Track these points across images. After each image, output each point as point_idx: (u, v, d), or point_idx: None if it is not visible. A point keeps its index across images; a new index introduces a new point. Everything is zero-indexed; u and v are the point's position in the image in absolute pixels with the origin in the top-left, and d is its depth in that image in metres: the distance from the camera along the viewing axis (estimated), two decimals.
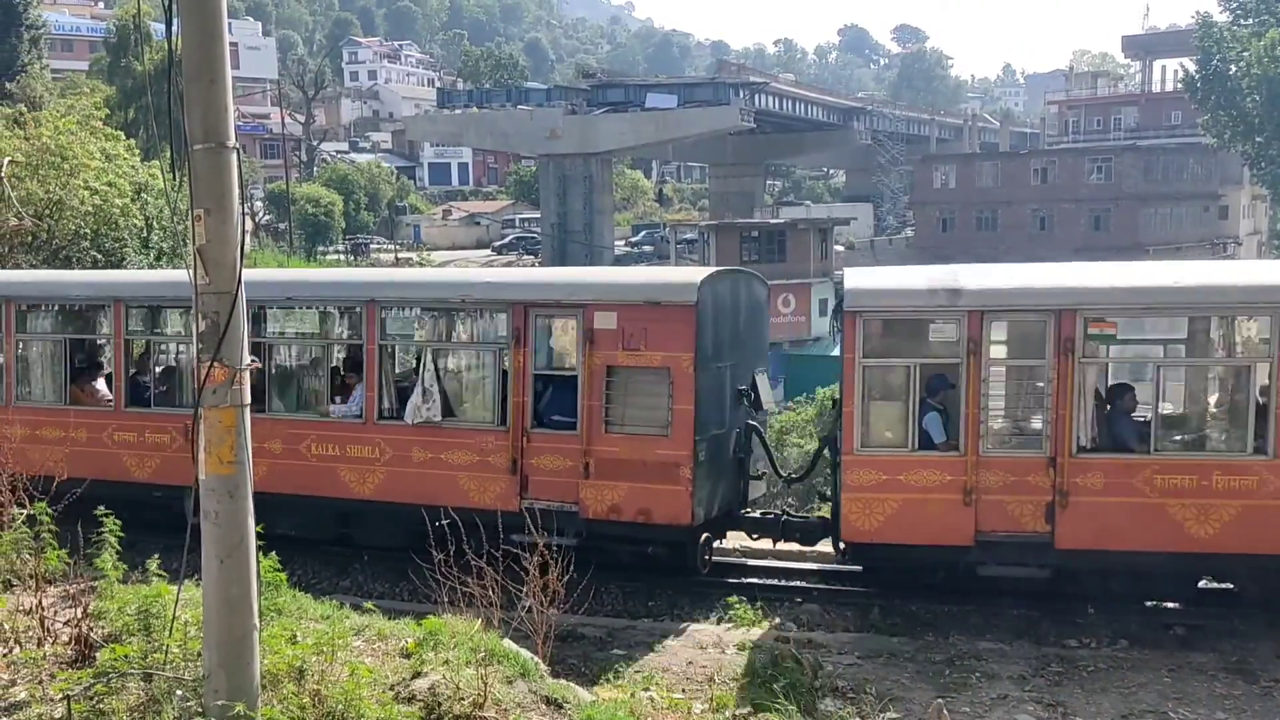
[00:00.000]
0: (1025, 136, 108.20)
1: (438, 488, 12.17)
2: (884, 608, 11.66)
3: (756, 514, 13.10)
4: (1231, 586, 11.44)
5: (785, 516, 13.00)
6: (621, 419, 11.81)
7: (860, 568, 12.38)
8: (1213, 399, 12.02)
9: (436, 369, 12.75)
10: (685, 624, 11.59)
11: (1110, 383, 11.53)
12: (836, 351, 51.47)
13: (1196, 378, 12.02)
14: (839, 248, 63.75)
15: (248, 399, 5.90)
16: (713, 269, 13.94)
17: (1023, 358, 11.32)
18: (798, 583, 12.82)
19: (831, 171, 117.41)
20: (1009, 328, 11.41)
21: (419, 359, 13.01)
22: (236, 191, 5.79)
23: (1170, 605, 11.65)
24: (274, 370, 13.64)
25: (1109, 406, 11.21)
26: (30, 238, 24.86)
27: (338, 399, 13.35)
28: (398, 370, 13.64)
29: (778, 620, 11.38)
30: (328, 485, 12.91)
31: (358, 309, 13.09)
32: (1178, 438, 11.11)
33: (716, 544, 13.33)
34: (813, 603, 12.15)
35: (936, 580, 11.68)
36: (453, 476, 12.33)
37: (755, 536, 13.13)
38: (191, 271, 5.76)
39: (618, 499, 11.78)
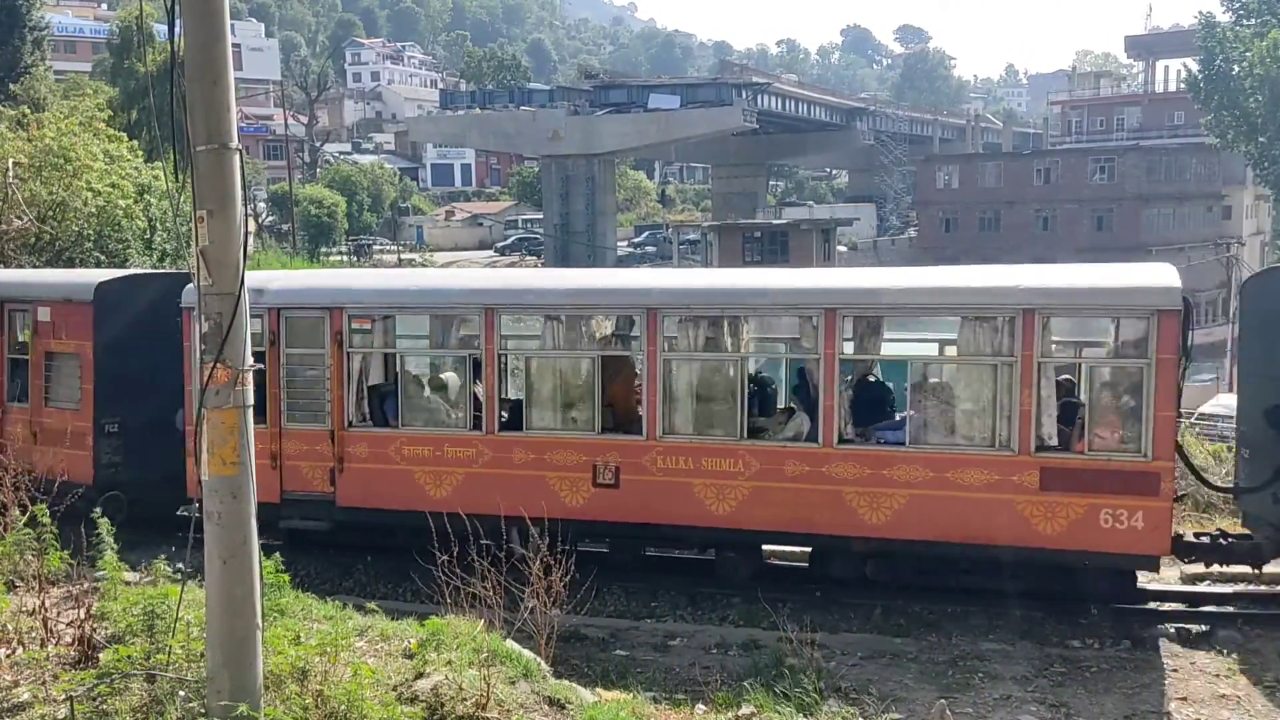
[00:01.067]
0: (1028, 137, 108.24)
1: None
2: (887, 608, 11.64)
3: None
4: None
5: None
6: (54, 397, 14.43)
7: None
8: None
9: None
10: (689, 625, 11.61)
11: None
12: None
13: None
14: (842, 248, 63.86)
15: (250, 400, 5.90)
16: (120, 273, 16.41)
17: (309, 347, 13.02)
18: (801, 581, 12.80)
19: (834, 172, 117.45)
20: (297, 323, 13.00)
21: None
22: (239, 193, 5.80)
23: (1173, 607, 11.64)
24: None
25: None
26: (34, 238, 24.91)
27: None
28: None
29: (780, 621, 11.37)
30: None
31: None
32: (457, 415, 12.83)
33: None
34: (815, 603, 12.14)
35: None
36: None
37: None
38: (195, 273, 5.76)
39: None
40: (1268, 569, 11.88)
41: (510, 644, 7.71)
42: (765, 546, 12.82)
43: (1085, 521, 10.55)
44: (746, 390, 11.73)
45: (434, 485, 12.46)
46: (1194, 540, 11.49)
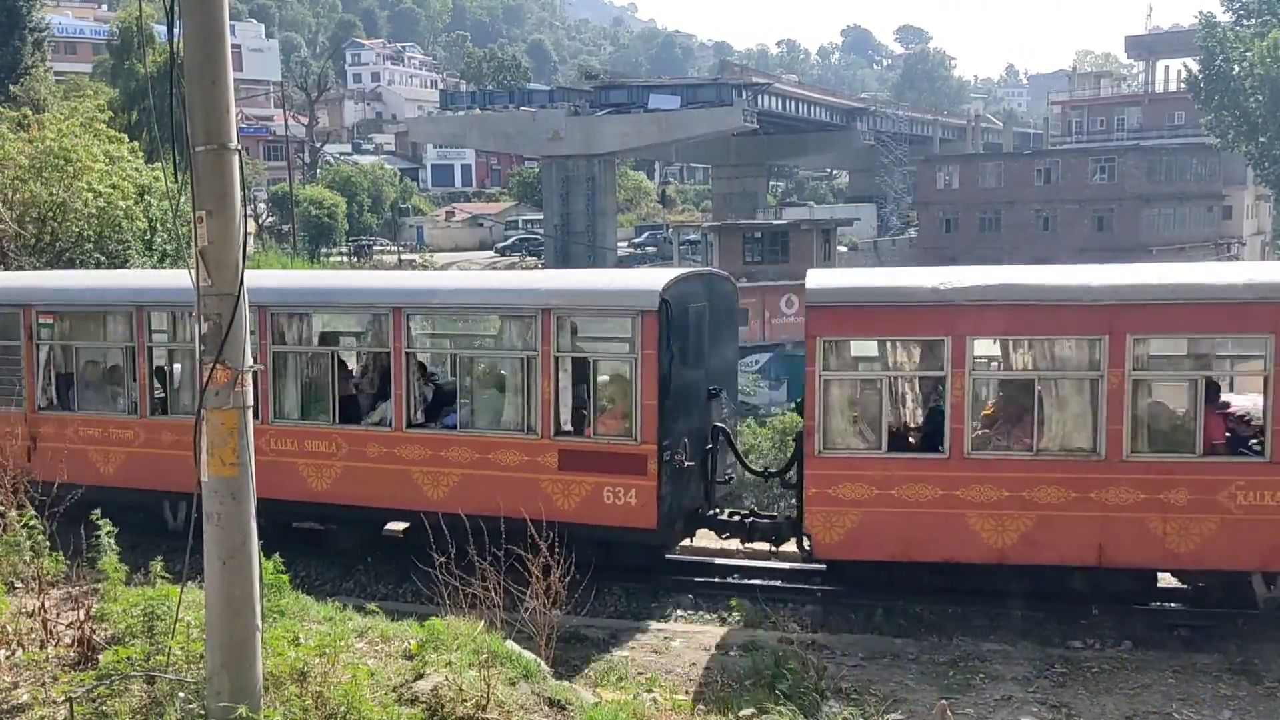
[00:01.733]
0: (1028, 137, 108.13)
1: None
2: (888, 609, 11.64)
3: None
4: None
5: None
6: None
7: None
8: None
9: None
10: (689, 626, 11.59)
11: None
12: None
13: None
14: (842, 248, 63.75)
15: (250, 401, 5.88)
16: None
17: (8, 339, 14.51)
18: (801, 584, 12.80)
19: (834, 172, 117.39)
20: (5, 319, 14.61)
21: None
22: (239, 193, 5.78)
23: (1175, 606, 11.64)
24: None
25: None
26: (34, 240, 24.89)
27: None
28: None
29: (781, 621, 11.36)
30: None
31: None
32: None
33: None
34: (815, 603, 12.14)
35: None
36: None
37: None
38: (194, 273, 5.74)
39: None
40: None
41: (510, 645, 7.70)
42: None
43: (593, 498, 11.92)
44: (338, 376, 13.33)
45: (103, 463, 14.03)
46: (726, 519, 12.95)
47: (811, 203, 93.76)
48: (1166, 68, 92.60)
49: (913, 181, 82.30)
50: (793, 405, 32.23)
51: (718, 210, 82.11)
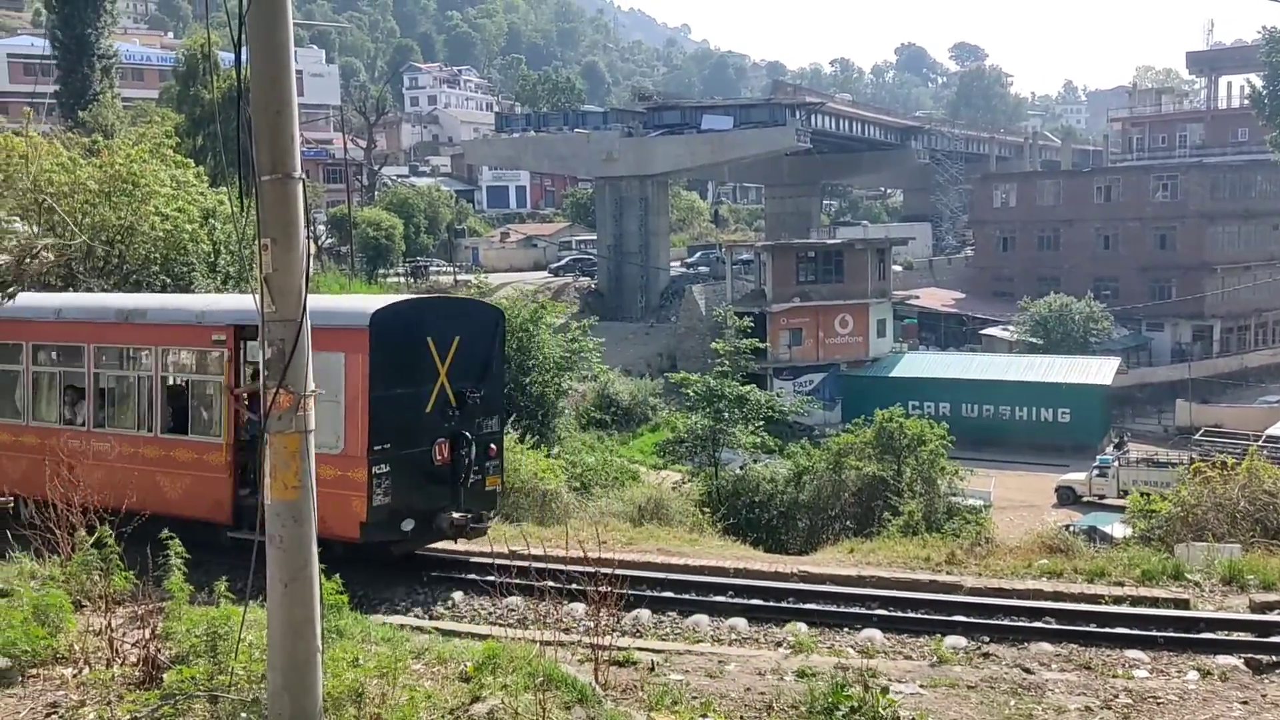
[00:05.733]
0: (1088, 154, 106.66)
1: None
2: (945, 634, 11.48)
3: None
4: None
5: None
6: None
7: None
8: None
9: None
10: (743, 649, 11.51)
11: None
12: (896, 371, 50.91)
13: None
14: (897, 268, 63.33)
15: (312, 425, 5.96)
16: None
17: None
18: (857, 609, 12.68)
19: (889, 191, 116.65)
20: None
21: None
22: (302, 221, 5.88)
23: (1243, 637, 11.34)
24: None
25: None
26: (103, 262, 25.51)
27: None
28: None
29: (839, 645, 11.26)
30: None
31: None
32: None
33: None
34: (872, 628, 12.01)
35: None
36: None
37: None
38: (258, 300, 5.85)
39: None
40: None
41: (565, 668, 7.70)
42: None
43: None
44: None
45: None
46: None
47: (866, 222, 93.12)
48: (1229, 83, 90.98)
49: (968, 200, 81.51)
50: (847, 426, 32.01)
51: (771, 230, 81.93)
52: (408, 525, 13.53)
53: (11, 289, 16.43)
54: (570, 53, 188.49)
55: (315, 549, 5.98)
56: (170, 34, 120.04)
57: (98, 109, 51.80)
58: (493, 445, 14.62)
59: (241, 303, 14.66)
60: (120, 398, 15.38)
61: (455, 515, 13.80)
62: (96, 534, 8.72)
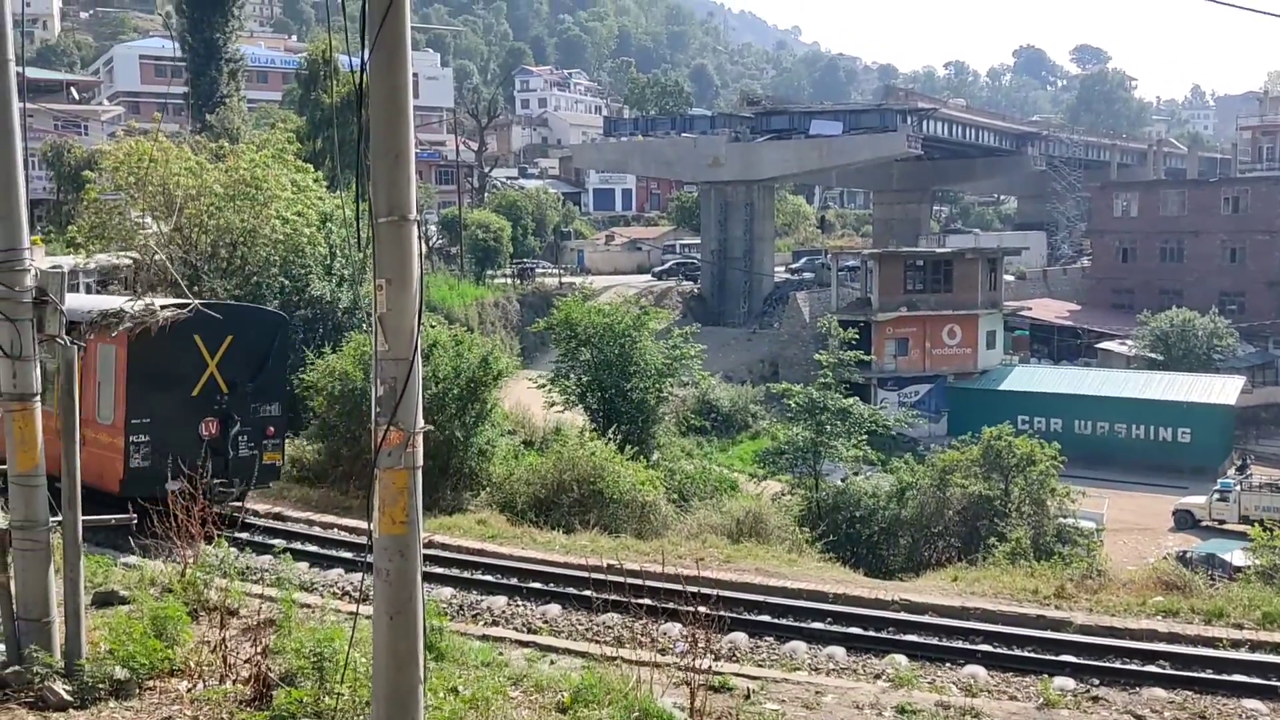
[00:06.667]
0: (1215, 163, 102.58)
1: None
2: (1053, 674, 11.16)
3: None
4: None
5: None
6: None
7: None
8: None
9: None
10: (841, 680, 11.36)
11: None
12: (1005, 385, 49.40)
13: None
14: (1009, 277, 61.69)
15: (420, 461, 6.07)
16: None
17: None
18: (960, 642, 12.41)
19: (1002, 197, 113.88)
20: None
21: None
22: (416, 262, 5.98)
23: None
24: None
25: None
26: (225, 264, 26.48)
27: None
28: None
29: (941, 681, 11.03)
30: None
31: None
32: None
33: None
34: (976, 664, 11.74)
35: None
36: None
37: None
38: (373, 338, 5.98)
39: None
40: None
41: (662, 702, 7.71)
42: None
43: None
44: None
45: None
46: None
47: (977, 230, 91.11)
48: None
49: (1087, 208, 79.07)
50: (953, 441, 31.25)
51: (878, 236, 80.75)
52: (174, 486, 14.66)
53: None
54: (679, 55, 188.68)
55: (420, 580, 6.09)
56: (294, 37, 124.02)
57: (224, 112, 53.74)
58: (271, 427, 17.05)
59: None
60: None
61: (216, 481, 15.45)
62: (219, 542, 9.03)
